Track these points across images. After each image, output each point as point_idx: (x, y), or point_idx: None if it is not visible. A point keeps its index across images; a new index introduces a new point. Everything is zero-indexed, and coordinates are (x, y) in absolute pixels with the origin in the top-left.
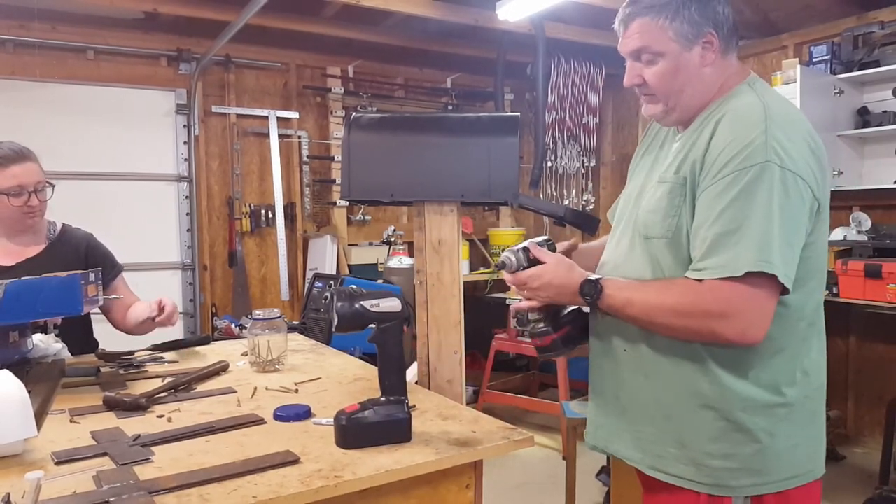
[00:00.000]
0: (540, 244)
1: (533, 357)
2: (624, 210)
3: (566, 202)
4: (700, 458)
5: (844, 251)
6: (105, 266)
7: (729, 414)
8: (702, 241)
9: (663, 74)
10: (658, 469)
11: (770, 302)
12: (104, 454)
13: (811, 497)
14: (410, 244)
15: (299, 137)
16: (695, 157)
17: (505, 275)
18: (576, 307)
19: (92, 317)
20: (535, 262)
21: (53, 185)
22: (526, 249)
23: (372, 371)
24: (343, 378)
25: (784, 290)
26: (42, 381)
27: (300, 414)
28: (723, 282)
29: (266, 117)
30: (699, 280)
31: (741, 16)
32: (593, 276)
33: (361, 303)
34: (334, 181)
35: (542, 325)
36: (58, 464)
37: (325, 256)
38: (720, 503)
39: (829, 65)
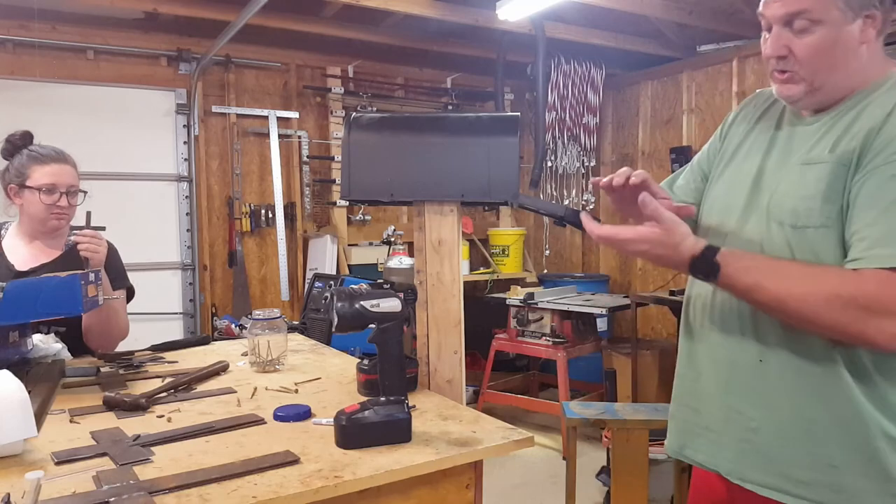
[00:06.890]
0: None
1: (533, 357)
2: (732, 197)
3: (566, 202)
4: (847, 485)
5: None
6: (110, 278)
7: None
8: (867, 229)
9: (818, 47)
10: (793, 494)
11: None
12: (104, 454)
13: None
14: (410, 244)
15: (299, 137)
16: (855, 139)
17: (595, 227)
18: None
19: None
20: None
21: (86, 193)
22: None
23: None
24: (343, 378)
25: None
26: (42, 381)
27: (300, 414)
28: (892, 272)
29: (266, 117)
30: (855, 269)
31: (741, 15)
32: (709, 247)
33: (361, 303)
34: (334, 181)
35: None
36: (58, 464)
37: (325, 256)
38: None
39: None
